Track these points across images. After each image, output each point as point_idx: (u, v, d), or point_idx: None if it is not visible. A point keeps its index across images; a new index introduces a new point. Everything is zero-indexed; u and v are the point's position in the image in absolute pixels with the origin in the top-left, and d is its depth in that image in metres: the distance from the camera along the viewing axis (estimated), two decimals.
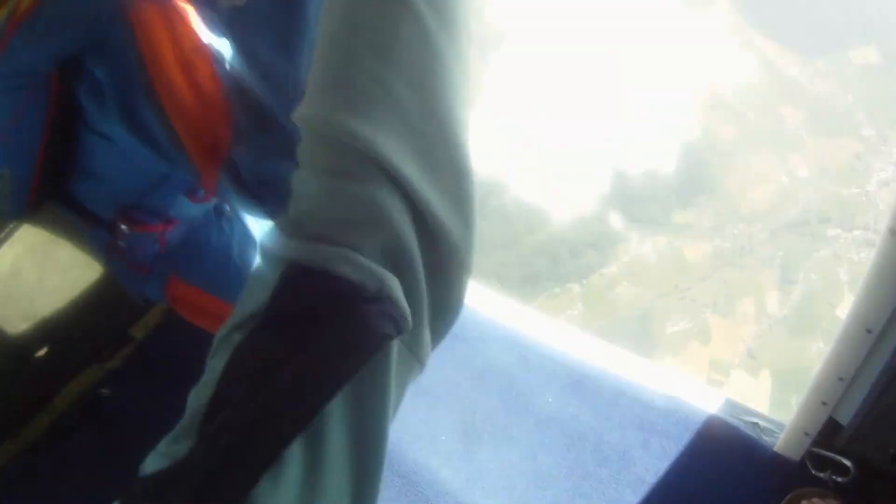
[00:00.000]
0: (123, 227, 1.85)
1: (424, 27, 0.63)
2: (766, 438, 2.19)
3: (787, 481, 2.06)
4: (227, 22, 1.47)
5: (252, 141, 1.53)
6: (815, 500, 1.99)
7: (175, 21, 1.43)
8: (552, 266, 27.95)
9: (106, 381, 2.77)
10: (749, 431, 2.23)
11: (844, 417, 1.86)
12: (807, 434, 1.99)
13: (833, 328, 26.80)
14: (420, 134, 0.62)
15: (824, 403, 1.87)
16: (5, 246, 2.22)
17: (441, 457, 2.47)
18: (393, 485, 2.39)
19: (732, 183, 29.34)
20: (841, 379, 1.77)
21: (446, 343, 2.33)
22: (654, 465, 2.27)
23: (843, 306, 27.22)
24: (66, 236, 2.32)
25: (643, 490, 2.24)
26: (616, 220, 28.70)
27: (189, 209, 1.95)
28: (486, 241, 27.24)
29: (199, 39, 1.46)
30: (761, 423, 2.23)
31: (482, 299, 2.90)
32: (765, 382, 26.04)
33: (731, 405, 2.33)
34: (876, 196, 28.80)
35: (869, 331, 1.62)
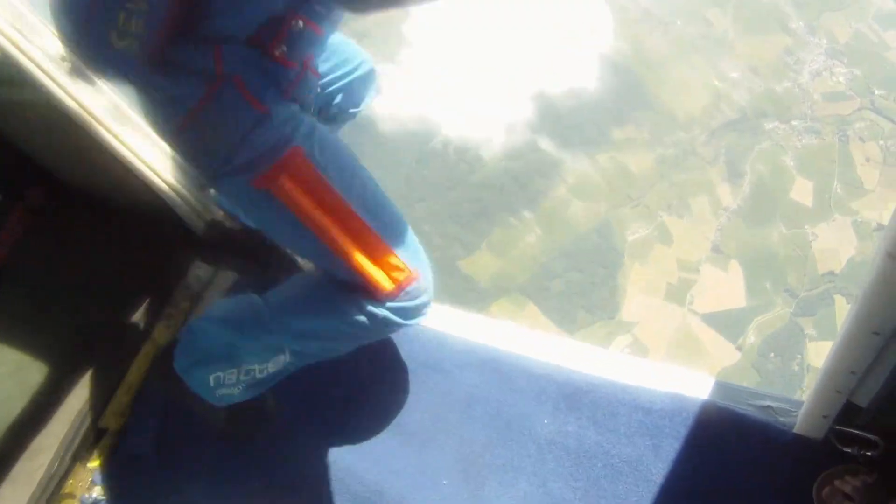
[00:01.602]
0: (299, 22, 1.60)
1: None
2: (783, 419, 2.05)
3: (814, 462, 1.93)
4: None
5: None
6: (847, 478, 1.86)
7: None
8: (501, 198, 28.04)
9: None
10: (763, 416, 2.09)
11: (863, 400, 1.72)
12: (825, 417, 1.85)
13: (790, 211, 27.37)
14: None
15: (838, 392, 1.73)
16: None
17: (448, 503, 2.31)
18: None
19: (666, 93, 29.49)
20: (853, 373, 1.64)
21: (422, 377, 2.22)
22: (670, 470, 2.12)
23: (796, 189, 27.73)
24: None
25: (668, 498, 2.10)
26: (555, 145, 28.74)
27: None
28: (432, 186, 27.19)
29: None
30: (774, 404, 2.08)
31: (450, 321, 2.70)
32: (736, 273, 26.55)
33: (737, 391, 2.18)
34: (809, 87, 29.14)
35: (876, 333, 1.49)
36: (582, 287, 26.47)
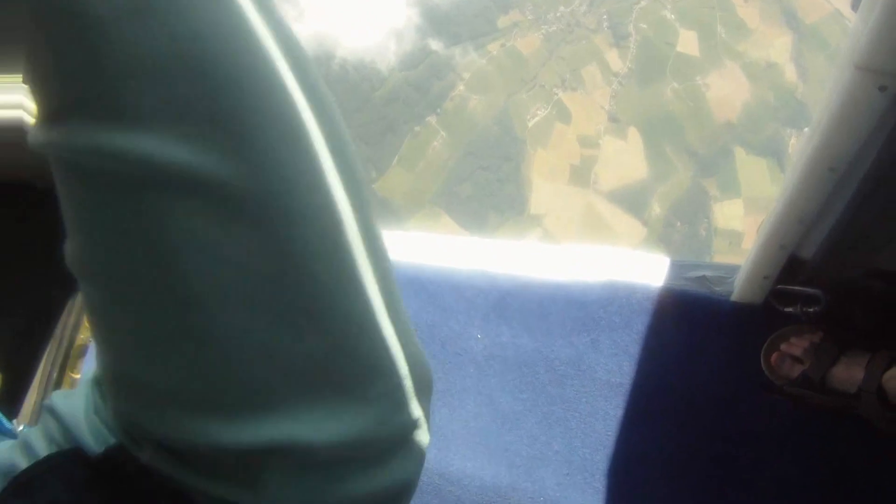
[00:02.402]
0: None
1: None
2: (719, 289, 1.97)
3: (757, 329, 1.86)
4: None
5: None
6: (793, 340, 1.80)
7: None
8: (406, 109, 28.11)
9: None
10: (698, 289, 2.00)
11: (807, 252, 1.64)
12: (766, 278, 1.77)
13: (679, 65, 27.77)
14: None
15: (783, 247, 1.64)
16: None
17: None
18: None
19: None
20: (801, 221, 1.53)
21: None
22: (614, 363, 2.04)
23: (682, 42, 28.04)
24: None
25: (616, 393, 2.02)
26: (444, 44, 28.56)
27: None
28: (342, 112, 26.75)
29: None
30: (708, 273, 2.00)
31: None
32: (635, 141, 27.04)
33: (671, 267, 2.08)
34: None
35: (832, 169, 1.37)
36: (489, 186, 26.80)
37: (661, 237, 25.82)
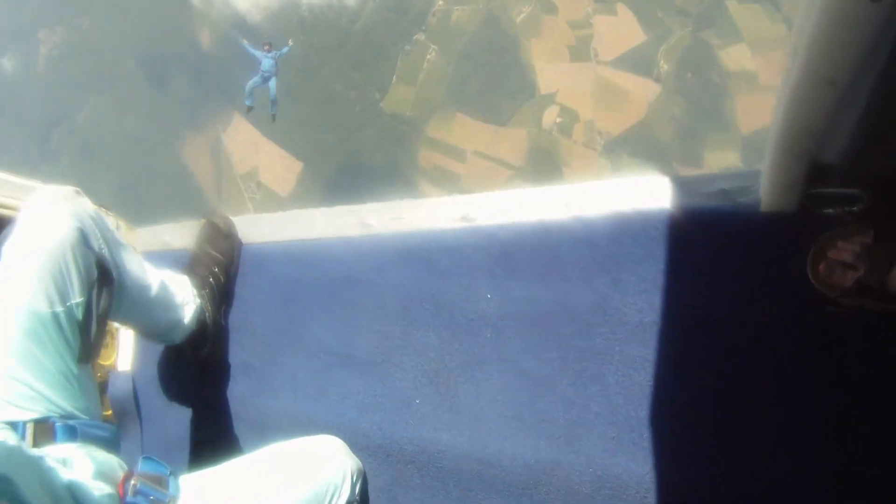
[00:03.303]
0: None
1: None
2: (743, 200, 1.71)
3: (797, 238, 1.60)
4: None
5: None
6: (840, 244, 1.55)
7: None
8: (390, 31, 28.05)
9: None
10: (720, 203, 1.74)
11: (831, 158, 1.38)
12: (793, 185, 1.51)
13: None
14: None
15: (799, 157, 1.38)
16: None
17: (430, 423, 2.05)
18: (411, 480, 2.06)
19: None
20: (810, 134, 1.27)
21: (347, 297, 2.20)
22: (643, 301, 1.80)
23: None
24: None
25: (651, 335, 1.79)
26: None
27: None
28: (326, 49, 28.05)
29: None
30: (727, 186, 1.74)
31: (343, 220, 2.33)
32: (625, 13, 26.19)
33: (683, 185, 1.81)
34: None
35: (832, 83, 1.10)
36: (495, 78, 26.58)
37: (677, 89, 25.27)
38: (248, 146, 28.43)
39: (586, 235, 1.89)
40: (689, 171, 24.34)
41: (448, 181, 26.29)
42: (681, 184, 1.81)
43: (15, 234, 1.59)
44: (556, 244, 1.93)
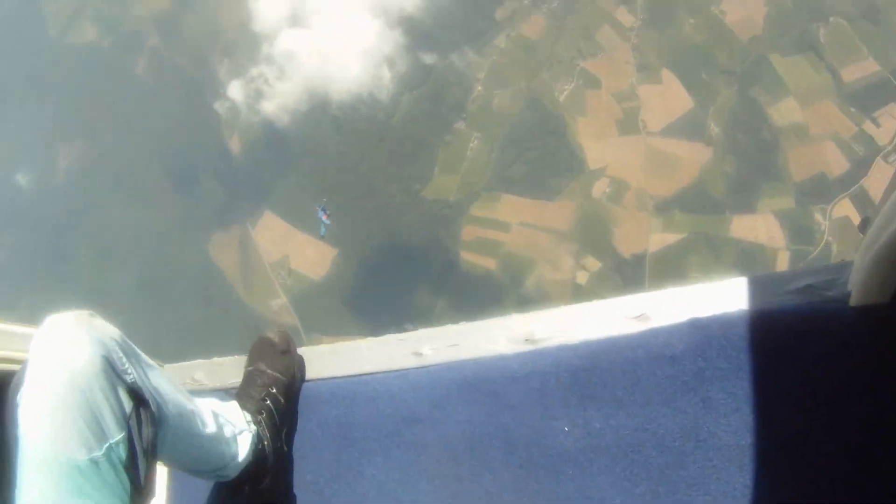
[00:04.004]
0: None
1: None
2: (831, 294, 1.53)
3: (892, 331, 1.41)
4: None
5: None
6: None
7: None
8: (428, 123, 28.40)
9: None
10: (807, 300, 1.56)
11: None
12: (887, 279, 1.33)
13: (687, 0, 26.76)
14: None
15: None
16: None
17: None
18: None
19: None
20: None
21: (401, 438, 2.04)
22: (737, 421, 1.61)
23: None
24: None
25: (749, 458, 1.59)
26: (438, 55, 28.77)
27: None
28: (364, 149, 27.72)
29: None
30: (814, 280, 1.56)
31: (395, 352, 2.18)
32: (670, 80, 26.25)
33: (762, 284, 1.64)
34: None
35: None
36: (542, 160, 26.64)
37: (728, 149, 24.99)
38: (278, 237, 28.33)
39: (665, 350, 1.72)
40: (743, 219, 23.75)
41: (489, 249, 25.96)
42: (762, 283, 1.63)
43: (28, 375, 1.35)
44: (631, 363, 1.76)
